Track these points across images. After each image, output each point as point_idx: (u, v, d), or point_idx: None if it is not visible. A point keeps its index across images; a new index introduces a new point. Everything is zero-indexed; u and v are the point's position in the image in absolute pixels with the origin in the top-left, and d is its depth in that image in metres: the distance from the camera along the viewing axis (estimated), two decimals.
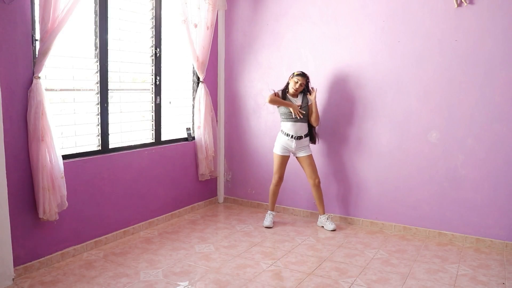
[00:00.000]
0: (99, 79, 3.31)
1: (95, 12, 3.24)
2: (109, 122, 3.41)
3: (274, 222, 4.03)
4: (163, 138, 4.01)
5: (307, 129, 3.89)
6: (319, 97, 4.04)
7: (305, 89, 3.87)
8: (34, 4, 2.79)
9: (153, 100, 3.86)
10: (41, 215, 2.82)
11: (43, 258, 2.96)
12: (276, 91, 3.86)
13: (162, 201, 4.00)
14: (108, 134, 3.42)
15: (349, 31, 3.89)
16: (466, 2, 3.39)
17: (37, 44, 2.78)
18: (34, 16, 2.80)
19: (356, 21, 3.85)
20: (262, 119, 4.42)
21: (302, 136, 3.84)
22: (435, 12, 3.51)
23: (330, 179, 4.12)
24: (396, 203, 3.84)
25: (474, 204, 3.52)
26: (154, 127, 3.90)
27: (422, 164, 3.69)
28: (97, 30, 3.26)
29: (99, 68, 3.30)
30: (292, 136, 3.82)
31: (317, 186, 3.89)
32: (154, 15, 3.77)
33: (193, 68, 4.28)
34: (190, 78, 4.36)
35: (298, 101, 3.84)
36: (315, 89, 3.88)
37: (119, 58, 3.48)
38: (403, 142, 3.76)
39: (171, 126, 4.15)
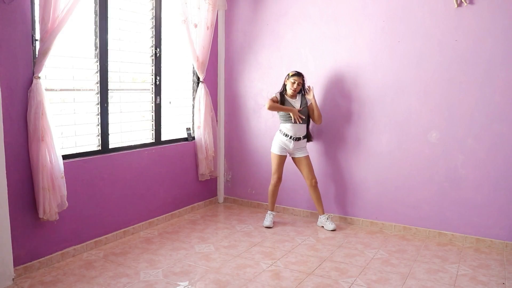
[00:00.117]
0: (99, 79, 3.31)
1: (95, 12, 3.24)
2: (109, 122, 3.41)
3: (274, 222, 4.03)
4: (163, 138, 4.01)
5: (305, 130, 3.89)
6: (319, 96, 4.04)
7: (302, 89, 3.88)
8: (34, 4, 2.79)
9: (153, 100, 3.86)
10: (41, 215, 2.82)
11: (43, 258, 2.96)
12: (274, 95, 3.85)
13: (162, 201, 4.00)
14: (108, 134, 3.42)
15: (349, 31, 3.89)
16: (466, 2, 3.39)
17: (37, 44, 2.78)
18: (34, 16, 2.80)
19: (356, 21, 3.85)
20: (262, 119, 4.42)
21: (300, 137, 3.85)
22: (435, 12, 3.51)
23: (330, 179, 4.12)
24: (396, 203, 3.84)
25: (474, 204, 3.52)
26: (154, 127, 3.90)
27: (422, 164, 3.69)
28: (97, 30, 3.26)
29: (99, 68, 3.30)
30: (290, 137, 3.82)
31: (314, 186, 3.89)
32: (154, 15, 3.77)
33: (193, 68, 4.28)
34: (190, 78, 4.36)
35: (297, 102, 3.84)
36: (311, 88, 3.89)
37: (119, 58, 3.48)
38: (403, 142, 3.76)
39: (171, 126, 4.15)
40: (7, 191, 2.64)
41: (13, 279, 2.73)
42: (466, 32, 3.42)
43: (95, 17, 3.25)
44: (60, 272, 2.92)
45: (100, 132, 3.37)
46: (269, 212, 4.03)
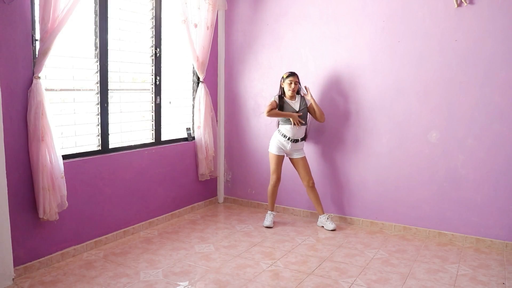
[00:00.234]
0: (99, 79, 3.31)
1: (95, 12, 3.24)
2: (109, 122, 3.41)
3: (274, 222, 4.03)
4: (163, 138, 4.01)
5: (304, 132, 3.89)
6: (319, 96, 4.04)
7: (299, 90, 3.88)
8: (34, 4, 2.79)
9: (153, 100, 3.86)
10: (41, 215, 2.82)
11: (43, 258, 2.96)
12: (273, 98, 3.85)
13: (162, 201, 4.00)
14: (108, 134, 3.42)
15: (349, 31, 3.89)
16: (466, 2, 3.39)
17: (37, 44, 2.78)
18: (34, 16, 2.80)
19: (356, 21, 3.85)
20: (262, 119, 4.42)
21: (298, 139, 3.85)
22: (435, 12, 3.51)
23: (330, 179, 4.12)
24: (396, 203, 3.84)
25: (474, 204, 3.52)
26: (154, 127, 3.90)
27: (422, 164, 3.69)
28: (97, 30, 3.26)
29: (99, 68, 3.30)
30: (289, 138, 3.82)
31: (312, 187, 3.90)
32: (154, 15, 3.77)
33: (193, 68, 4.28)
34: (190, 78, 4.36)
35: (296, 103, 3.83)
36: (308, 88, 3.89)
37: (119, 58, 3.48)
38: (403, 142, 3.76)
39: (171, 126, 4.15)
40: (7, 191, 2.64)
41: (13, 279, 2.73)
42: (466, 32, 3.42)
43: (95, 17, 3.25)
44: (60, 272, 2.92)
45: (100, 132, 3.37)
46: (269, 212, 4.03)
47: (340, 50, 3.95)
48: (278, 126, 3.92)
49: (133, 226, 3.69)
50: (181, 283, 2.80)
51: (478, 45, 3.39)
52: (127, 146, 3.63)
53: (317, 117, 3.88)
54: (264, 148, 4.41)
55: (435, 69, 3.57)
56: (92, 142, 3.35)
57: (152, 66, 3.82)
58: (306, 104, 3.87)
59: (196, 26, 4.05)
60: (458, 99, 3.51)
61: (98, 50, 3.28)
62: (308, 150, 4.15)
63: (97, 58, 3.28)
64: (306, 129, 3.95)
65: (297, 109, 3.81)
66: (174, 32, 4.00)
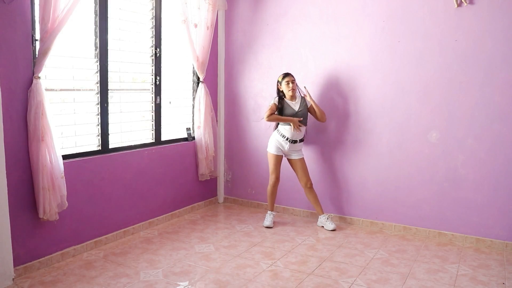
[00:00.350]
0: (99, 79, 3.31)
1: (95, 12, 3.24)
2: (109, 122, 3.41)
3: (274, 222, 4.03)
4: (163, 138, 4.01)
5: (303, 134, 3.89)
6: (319, 96, 4.04)
7: (298, 90, 3.88)
8: (34, 4, 2.79)
9: (153, 100, 3.86)
10: (41, 215, 2.82)
11: (43, 258, 2.96)
12: (272, 101, 3.84)
13: (162, 201, 4.00)
14: (108, 134, 3.42)
15: (349, 31, 3.89)
16: (466, 2, 3.39)
17: (37, 44, 2.78)
18: (34, 16, 2.80)
19: (356, 21, 3.85)
20: (262, 117, 4.41)
21: (297, 140, 3.84)
22: (435, 12, 3.51)
23: (330, 179, 4.12)
24: (396, 203, 3.84)
25: (474, 204, 3.52)
26: (154, 127, 3.90)
27: (422, 164, 3.69)
28: (97, 30, 3.26)
29: (99, 68, 3.30)
30: (287, 139, 3.82)
31: (310, 188, 3.90)
32: (154, 15, 3.77)
33: (193, 68, 4.28)
34: (190, 78, 4.36)
35: (296, 104, 3.83)
36: (306, 89, 3.88)
37: (119, 58, 3.48)
38: (403, 142, 3.76)
39: (171, 126, 4.15)
40: (7, 191, 2.64)
41: (13, 279, 2.73)
42: (466, 32, 3.42)
43: (95, 17, 3.25)
44: (60, 272, 2.92)
45: (100, 132, 3.37)
46: (269, 212, 4.03)
47: (340, 50, 3.95)
48: (277, 126, 3.92)
49: (133, 226, 3.69)
50: (181, 283, 2.80)
51: (478, 45, 3.39)
52: (127, 146, 3.63)
53: (318, 117, 3.88)
54: (264, 148, 4.41)
55: (435, 69, 3.57)
56: (92, 142, 3.35)
57: (152, 66, 3.82)
58: (306, 104, 3.86)
59: (196, 26, 4.05)
60: (458, 99, 3.51)
61: (98, 50, 3.28)
62: (308, 150, 4.15)
63: (97, 58, 3.28)
64: (305, 130, 3.95)
65: (297, 110, 3.80)
66: (174, 32, 4.00)
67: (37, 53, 2.77)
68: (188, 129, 4.34)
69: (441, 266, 3.10)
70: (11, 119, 2.70)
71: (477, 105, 3.44)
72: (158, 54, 3.83)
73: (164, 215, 4.03)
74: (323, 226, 3.94)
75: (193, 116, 4.38)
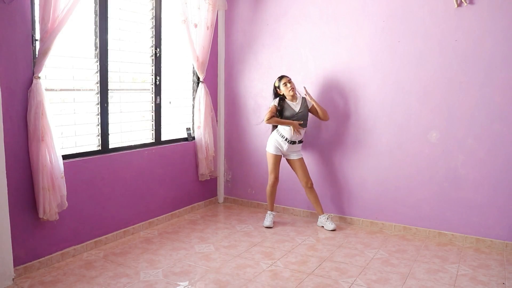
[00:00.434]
0: (99, 79, 3.31)
1: (95, 12, 3.24)
2: (109, 122, 3.41)
3: (274, 222, 4.03)
4: (163, 138, 4.01)
5: (302, 135, 3.88)
6: (319, 96, 4.04)
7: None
8: (34, 4, 2.79)
9: (153, 100, 3.86)
10: (41, 215, 2.82)
11: (43, 258, 2.96)
12: (272, 103, 3.83)
13: (162, 201, 4.00)
14: (108, 134, 3.42)
15: (349, 31, 3.89)
16: (466, 2, 3.39)
17: (37, 44, 2.78)
18: (34, 16, 2.80)
19: (356, 21, 3.85)
20: (262, 119, 4.41)
21: (296, 141, 3.84)
22: (435, 12, 3.51)
23: (330, 179, 4.12)
24: (396, 203, 3.84)
25: (474, 204, 3.52)
26: (154, 127, 3.90)
27: (422, 164, 3.69)
28: (97, 30, 3.26)
29: (99, 68, 3.30)
30: (286, 139, 3.81)
31: (310, 188, 3.90)
32: (154, 15, 3.77)
33: (193, 68, 4.28)
34: (190, 78, 4.36)
35: (297, 105, 3.82)
36: (306, 89, 3.86)
37: (119, 58, 3.48)
38: (403, 142, 3.76)
39: (171, 126, 4.15)
40: (7, 191, 2.64)
41: (13, 279, 2.73)
42: (466, 32, 3.42)
43: (95, 17, 3.25)
44: (60, 272, 2.92)
45: (100, 132, 3.37)
46: (269, 212, 4.02)
47: (340, 50, 3.95)
48: (277, 126, 3.91)
49: (133, 226, 3.69)
50: (181, 283, 2.80)
51: (478, 45, 3.39)
52: (127, 146, 3.63)
53: (320, 117, 3.87)
54: (264, 148, 4.40)
55: (435, 69, 3.57)
56: (92, 142, 3.35)
57: (152, 66, 3.82)
58: (306, 105, 3.85)
59: (196, 26, 4.05)
60: (458, 99, 3.51)
61: (98, 50, 3.28)
62: (308, 150, 4.15)
63: (97, 58, 3.28)
64: (304, 131, 3.94)
65: (297, 111, 3.80)
66: (174, 32, 4.00)
67: (37, 53, 2.77)
68: (188, 129, 4.34)
69: (441, 266, 3.10)
70: (11, 119, 2.70)
71: (477, 105, 3.44)
72: (158, 54, 3.83)
73: (164, 215, 4.03)
74: (323, 226, 3.94)
75: (193, 116, 4.38)
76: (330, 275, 2.93)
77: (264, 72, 4.38)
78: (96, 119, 3.34)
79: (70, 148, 3.17)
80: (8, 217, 2.66)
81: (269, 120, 3.79)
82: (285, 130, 3.81)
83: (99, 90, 3.32)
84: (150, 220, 3.88)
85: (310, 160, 4.14)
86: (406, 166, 3.76)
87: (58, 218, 2.93)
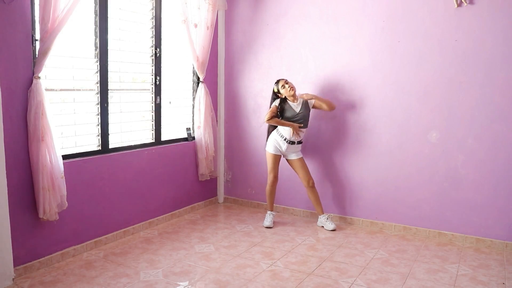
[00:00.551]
0: (99, 79, 3.31)
1: (95, 12, 3.24)
2: (109, 122, 3.41)
3: (274, 222, 4.02)
4: (163, 138, 4.01)
5: (302, 136, 3.88)
6: (319, 95, 4.03)
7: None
8: (34, 4, 2.79)
9: (153, 100, 3.86)
10: (41, 215, 2.82)
11: (43, 258, 2.96)
12: (274, 104, 3.82)
13: (162, 201, 4.00)
14: (108, 134, 3.42)
15: (349, 31, 3.89)
16: (466, 2, 3.39)
17: (37, 44, 2.78)
18: (34, 16, 2.80)
19: (356, 21, 3.85)
20: (262, 119, 4.41)
21: (295, 141, 3.84)
22: (435, 12, 3.51)
23: (330, 179, 4.12)
24: (396, 203, 3.84)
25: (474, 204, 3.52)
26: (154, 127, 3.90)
27: (422, 164, 3.69)
28: (97, 30, 3.26)
29: (99, 68, 3.30)
30: (285, 139, 3.81)
31: (312, 187, 3.89)
32: (154, 15, 3.77)
33: (193, 68, 4.28)
34: (190, 78, 4.36)
35: (298, 106, 3.81)
36: (302, 95, 3.81)
37: (119, 58, 3.48)
38: (403, 142, 3.76)
39: (171, 126, 4.15)
40: (7, 191, 2.64)
41: (13, 279, 2.73)
42: (466, 32, 3.42)
43: (95, 17, 3.25)
44: (60, 272, 2.92)
45: (100, 132, 3.37)
46: (268, 212, 4.02)
47: (340, 50, 3.95)
48: (276, 126, 3.90)
49: (133, 226, 3.69)
50: (181, 283, 2.80)
51: (478, 45, 3.39)
52: (127, 146, 3.63)
53: (327, 109, 3.82)
54: (264, 148, 4.40)
55: (435, 69, 3.57)
56: (92, 142, 3.35)
57: (152, 66, 3.82)
58: (307, 106, 3.83)
59: (196, 26, 4.05)
60: (458, 99, 3.51)
61: (98, 50, 3.28)
62: (308, 150, 4.15)
63: (97, 58, 3.28)
64: (305, 131, 3.94)
65: (298, 111, 3.79)
66: (174, 32, 4.00)
67: (37, 53, 2.77)
68: (188, 129, 4.34)
69: (441, 266, 3.10)
70: (11, 119, 2.70)
71: (477, 105, 3.44)
72: (158, 54, 3.83)
73: (164, 215, 4.03)
74: (323, 226, 3.94)
75: (193, 116, 4.38)
76: (330, 275, 2.93)
77: (264, 72, 4.38)
78: (96, 119, 3.34)
79: (70, 148, 3.17)
80: (8, 217, 2.66)
81: (269, 120, 3.79)
82: (285, 130, 3.81)
83: (99, 90, 3.32)
84: (150, 220, 3.88)
85: (310, 160, 4.14)
86: (406, 166, 3.76)
87: (58, 218, 2.93)
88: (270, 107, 3.86)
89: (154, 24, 3.78)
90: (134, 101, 3.74)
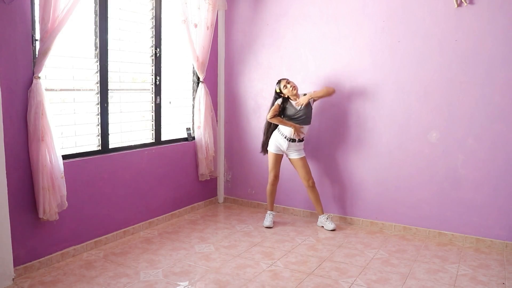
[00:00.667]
0: (99, 79, 3.31)
1: (95, 12, 3.24)
2: (109, 122, 3.41)
3: (274, 222, 4.02)
4: (163, 138, 4.01)
5: (305, 132, 3.87)
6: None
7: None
8: (34, 4, 2.79)
9: (153, 100, 3.86)
10: (41, 215, 2.82)
11: (43, 258, 2.96)
12: (276, 103, 3.81)
13: (162, 201, 4.00)
14: (108, 134, 3.42)
15: (349, 31, 3.89)
16: (466, 2, 3.39)
17: (37, 44, 2.78)
18: (34, 16, 2.80)
19: (356, 21, 3.85)
20: (262, 119, 4.41)
21: (296, 140, 3.83)
22: (435, 12, 3.51)
23: (330, 179, 4.12)
24: (396, 203, 3.83)
25: (474, 204, 3.52)
26: (154, 127, 3.90)
27: (422, 164, 3.69)
28: (97, 30, 3.26)
29: (99, 68, 3.30)
30: (285, 137, 3.81)
31: (312, 187, 3.89)
32: (154, 15, 3.77)
33: (193, 68, 4.28)
34: (190, 78, 4.36)
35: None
36: (301, 102, 3.78)
37: (119, 58, 3.48)
38: (403, 142, 3.76)
39: (171, 126, 4.15)
40: (7, 191, 2.64)
41: (13, 279, 2.73)
42: (466, 32, 3.42)
43: (95, 17, 3.25)
44: (60, 272, 2.92)
45: (100, 132, 3.37)
46: (268, 212, 4.02)
47: (340, 50, 3.95)
48: (277, 126, 3.90)
49: (133, 226, 3.69)
50: (181, 283, 2.80)
51: (478, 45, 3.39)
52: (127, 146, 3.63)
53: (327, 95, 3.82)
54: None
55: (435, 69, 3.57)
56: (92, 142, 3.35)
57: (152, 66, 3.82)
58: (309, 103, 3.82)
59: (196, 26, 4.05)
60: (458, 99, 3.51)
61: (98, 50, 3.28)
62: (308, 150, 4.15)
63: (97, 58, 3.28)
64: (307, 129, 3.94)
65: (299, 108, 3.78)
66: (174, 32, 4.00)
67: (37, 53, 2.77)
68: (188, 129, 4.34)
69: (441, 266, 3.10)
70: (11, 119, 2.70)
71: (477, 105, 3.44)
72: (158, 54, 3.83)
73: (164, 215, 4.03)
74: (323, 226, 3.94)
75: (193, 116, 4.38)
76: (330, 275, 2.93)
77: (264, 72, 4.38)
78: (96, 119, 3.34)
79: (70, 148, 3.17)
80: (8, 217, 2.66)
81: (272, 118, 3.78)
82: (286, 128, 3.81)
83: (99, 90, 3.32)
84: (150, 220, 3.88)
85: (310, 160, 4.13)
86: (406, 166, 3.76)
87: (58, 218, 2.93)
88: (271, 105, 3.86)
89: (154, 24, 3.78)
90: (134, 101, 3.74)
